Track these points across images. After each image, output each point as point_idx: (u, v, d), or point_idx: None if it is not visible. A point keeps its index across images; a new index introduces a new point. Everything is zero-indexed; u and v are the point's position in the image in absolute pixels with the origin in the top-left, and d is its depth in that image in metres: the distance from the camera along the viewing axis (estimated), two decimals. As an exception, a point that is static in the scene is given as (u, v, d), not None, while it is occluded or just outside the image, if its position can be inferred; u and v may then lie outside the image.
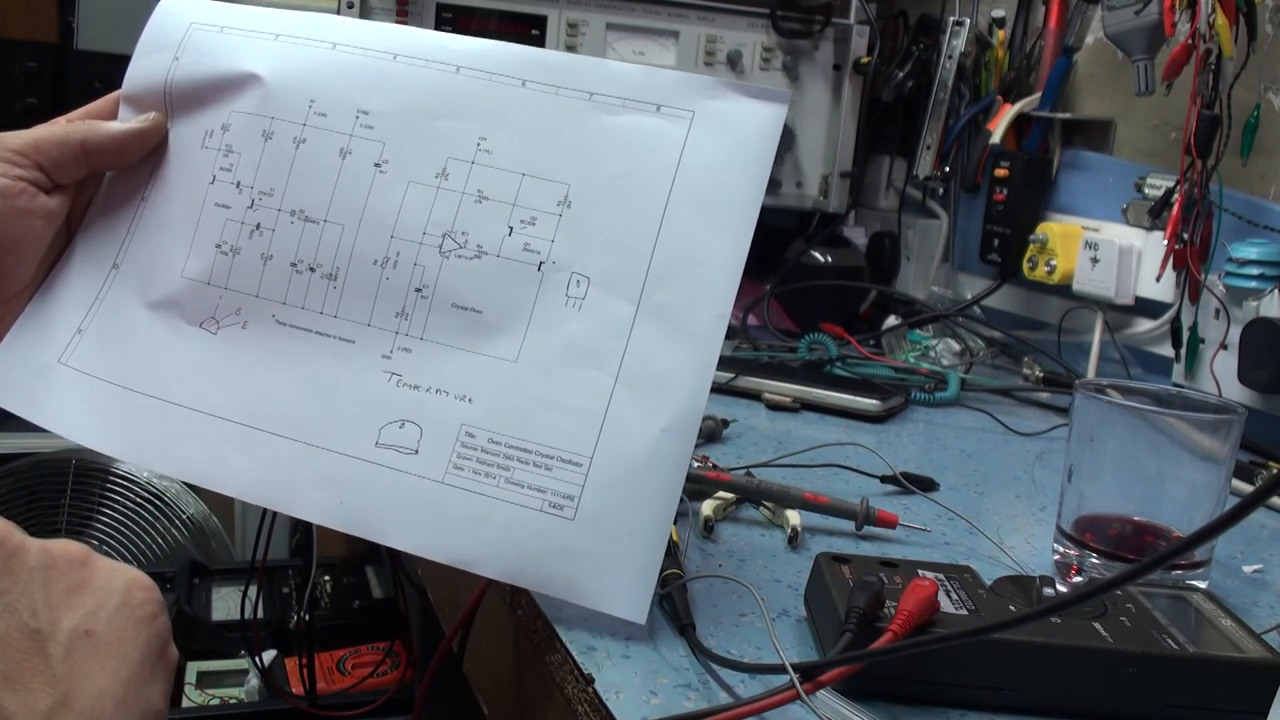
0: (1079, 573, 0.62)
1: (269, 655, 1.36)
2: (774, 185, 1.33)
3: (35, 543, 0.41)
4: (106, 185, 0.61)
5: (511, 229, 0.55)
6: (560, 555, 0.51)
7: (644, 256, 0.54)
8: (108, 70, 1.68)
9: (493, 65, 0.57)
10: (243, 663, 1.38)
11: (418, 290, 0.55)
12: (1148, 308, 1.09)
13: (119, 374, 0.57)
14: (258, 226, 0.57)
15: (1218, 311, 0.97)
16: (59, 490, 1.70)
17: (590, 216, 0.54)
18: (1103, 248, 1.09)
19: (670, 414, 0.52)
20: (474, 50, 0.57)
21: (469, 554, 0.52)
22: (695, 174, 0.54)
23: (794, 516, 0.67)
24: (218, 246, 0.58)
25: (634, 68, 0.56)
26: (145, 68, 0.61)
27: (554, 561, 0.51)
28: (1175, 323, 1.02)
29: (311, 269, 0.57)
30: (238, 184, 0.58)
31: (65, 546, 0.41)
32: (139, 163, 0.60)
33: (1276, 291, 0.91)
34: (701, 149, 0.55)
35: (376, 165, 0.56)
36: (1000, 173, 1.21)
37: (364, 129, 0.56)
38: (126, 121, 0.59)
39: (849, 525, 0.68)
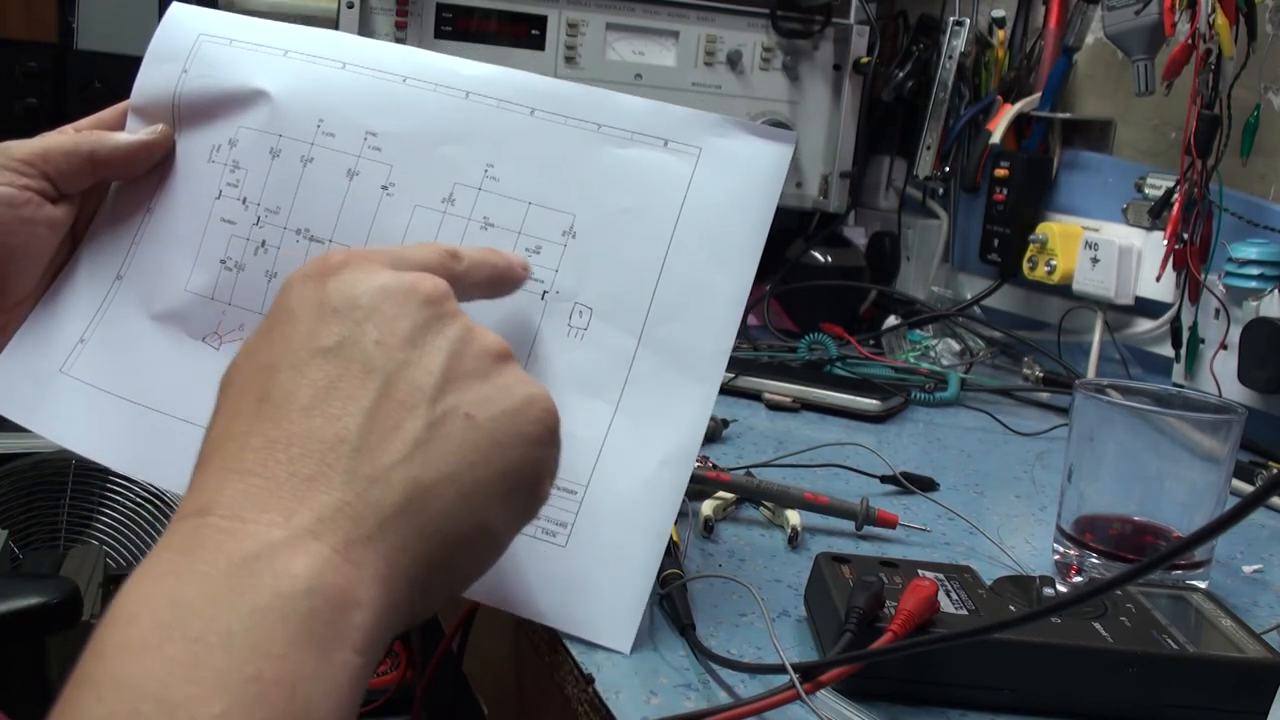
0: (1079, 573, 0.62)
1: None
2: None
3: (465, 320, 0.41)
4: (112, 195, 0.61)
5: None
6: (550, 582, 0.50)
7: (647, 290, 0.54)
8: (108, 70, 1.70)
9: (502, 92, 0.56)
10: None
11: None
12: (1148, 308, 1.09)
13: (120, 385, 0.57)
14: (263, 244, 0.57)
15: (1218, 311, 0.97)
16: (59, 490, 1.70)
17: (595, 248, 0.54)
18: (1103, 248, 1.09)
19: (669, 447, 0.52)
20: (484, 76, 0.57)
21: None
22: (701, 210, 0.54)
23: (794, 516, 0.67)
24: (222, 262, 0.57)
25: (643, 101, 0.56)
26: (153, 78, 0.60)
27: (543, 587, 0.50)
28: (1175, 323, 1.02)
29: None
30: (244, 200, 0.57)
31: (492, 338, 0.41)
32: (145, 174, 0.60)
33: (1276, 291, 0.91)
34: (707, 186, 0.55)
35: (383, 188, 0.56)
36: (1000, 173, 1.21)
37: (372, 150, 0.56)
38: (134, 133, 0.59)
39: (849, 525, 0.68)
